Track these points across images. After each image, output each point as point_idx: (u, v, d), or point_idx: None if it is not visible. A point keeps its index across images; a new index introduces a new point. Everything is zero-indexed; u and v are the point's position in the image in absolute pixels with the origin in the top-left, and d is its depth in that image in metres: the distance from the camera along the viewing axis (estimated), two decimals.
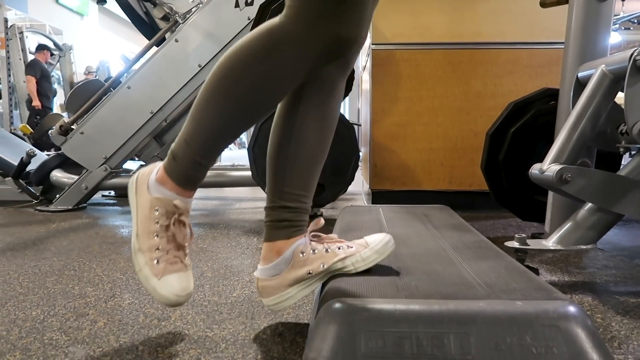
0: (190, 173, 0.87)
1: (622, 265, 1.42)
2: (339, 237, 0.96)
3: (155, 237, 0.87)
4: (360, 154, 3.43)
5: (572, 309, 0.76)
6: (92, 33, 12.15)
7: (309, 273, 0.90)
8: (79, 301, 1.14)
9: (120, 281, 1.30)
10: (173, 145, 0.89)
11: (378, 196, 2.47)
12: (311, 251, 0.91)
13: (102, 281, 1.30)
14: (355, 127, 4.37)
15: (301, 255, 0.90)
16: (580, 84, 1.35)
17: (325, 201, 2.23)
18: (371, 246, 0.93)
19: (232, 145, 17.45)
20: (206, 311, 1.07)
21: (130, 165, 3.39)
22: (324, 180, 2.23)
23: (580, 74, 1.35)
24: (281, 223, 0.92)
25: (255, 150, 2.23)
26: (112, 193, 3.38)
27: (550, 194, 1.69)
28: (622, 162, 1.78)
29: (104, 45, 12.09)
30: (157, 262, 0.86)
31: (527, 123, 1.75)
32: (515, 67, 2.38)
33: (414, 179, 2.46)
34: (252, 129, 2.34)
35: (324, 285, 0.93)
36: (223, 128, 0.85)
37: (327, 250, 0.91)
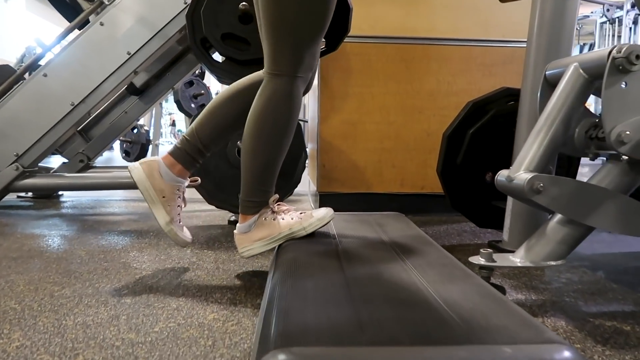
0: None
1: (587, 279, 1.33)
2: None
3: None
4: (307, 150, 3.26)
5: (568, 354, 0.62)
6: (18, 17, 11.22)
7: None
8: None
9: (14, 313, 1.06)
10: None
11: (326, 199, 2.31)
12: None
13: None
14: (302, 123, 4.18)
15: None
16: (549, 84, 1.25)
17: None
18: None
19: (173, 140, 16.75)
20: (117, 355, 0.85)
21: (50, 162, 3.03)
22: None
23: (548, 73, 1.24)
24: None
25: None
26: (30, 194, 3.01)
27: (510, 199, 1.59)
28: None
29: (31, 31, 11.20)
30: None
31: (487, 124, 1.64)
32: (469, 65, 2.29)
33: (364, 181, 2.31)
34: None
35: (263, 323, 0.75)
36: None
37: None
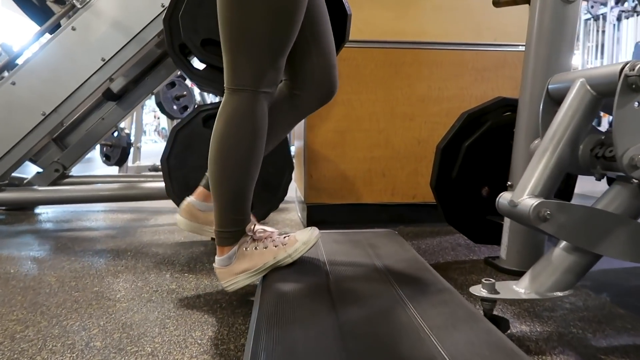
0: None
1: (591, 304, 1.26)
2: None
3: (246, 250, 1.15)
4: (293, 148, 3.14)
5: None
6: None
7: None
8: None
9: None
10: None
11: (314, 211, 2.21)
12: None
13: None
14: None
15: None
16: (552, 99, 1.16)
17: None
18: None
19: (157, 138, 16.44)
20: None
21: (23, 172, 2.89)
22: (252, 196, 1.94)
23: (551, 87, 1.16)
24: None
25: (171, 162, 1.89)
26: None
27: None
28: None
29: (6, 28, 10.87)
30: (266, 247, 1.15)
31: (482, 136, 1.56)
32: (461, 69, 2.21)
33: (353, 191, 2.22)
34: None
35: None
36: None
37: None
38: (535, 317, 1.17)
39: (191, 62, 1.91)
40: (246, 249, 1.13)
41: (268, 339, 0.79)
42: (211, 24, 1.79)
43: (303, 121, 2.24)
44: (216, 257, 1.16)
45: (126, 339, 1.05)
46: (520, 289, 1.06)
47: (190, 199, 1.29)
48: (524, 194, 1.04)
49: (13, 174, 2.67)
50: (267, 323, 0.86)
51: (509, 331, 1.07)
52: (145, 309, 1.22)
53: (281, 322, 0.86)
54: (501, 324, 1.04)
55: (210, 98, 6.26)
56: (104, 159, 5.34)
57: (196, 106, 2.46)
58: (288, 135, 2.04)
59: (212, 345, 1.02)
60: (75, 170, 3.13)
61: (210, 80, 1.87)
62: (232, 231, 1.14)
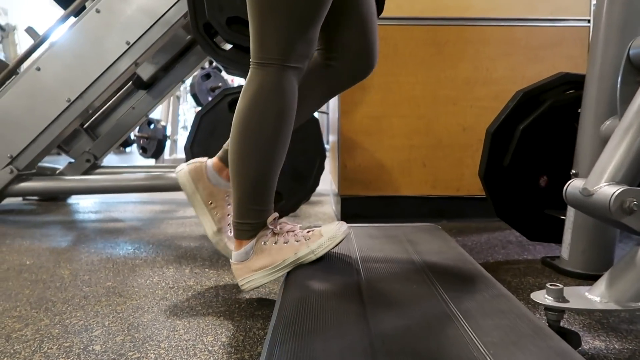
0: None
1: None
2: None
3: None
4: (328, 145, 3.01)
5: None
6: (40, 12, 11.24)
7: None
8: None
9: None
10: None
11: (348, 204, 2.05)
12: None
13: None
14: (325, 115, 3.89)
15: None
16: (635, 67, 0.96)
17: (283, 213, 1.80)
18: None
19: None
20: None
21: (51, 162, 2.87)
22: (281, 187, 1.79)
23: (633, 52, 0.96)
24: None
25: (195, 150, 1.78)
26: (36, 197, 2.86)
27: (571, 209, 1.31)
28: None
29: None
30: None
31: (541, 118, 1.36)
32: (512, 48, 1.99)
33: (391, 182, 2.05)
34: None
35: None
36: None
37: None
38: (611, 331, 0.97)
39: (218, 44, 1.78)
40: (264, 243, 1.00)
41: (282, 353, 0.64)
42: (237, 1, 1.67)
43: (337, 108, 2.08)
44: (233, 252, 1.03)
45: (129, 343, 0.93)
46: (595, 297, 0.87)
47: (206, 162, 1.18)
48: (601, 180, 0.85)
49: (46, 165, 2.66)
50: (283, 333, 0.71)
51: (579, 348, 0.89)
52: (157, 308, 1.10)
53: (301, 331, 0.71)
54: (571, 339, 0.85)
55: None
56: (141, 151, 5.36)
57: None
58: (321, 126, 1.89)
59: (225, 352, 0.89)
60: (115, 163, 3.09)
61: (236, 61, 1.75)
62: (251, 223, 1.00)
